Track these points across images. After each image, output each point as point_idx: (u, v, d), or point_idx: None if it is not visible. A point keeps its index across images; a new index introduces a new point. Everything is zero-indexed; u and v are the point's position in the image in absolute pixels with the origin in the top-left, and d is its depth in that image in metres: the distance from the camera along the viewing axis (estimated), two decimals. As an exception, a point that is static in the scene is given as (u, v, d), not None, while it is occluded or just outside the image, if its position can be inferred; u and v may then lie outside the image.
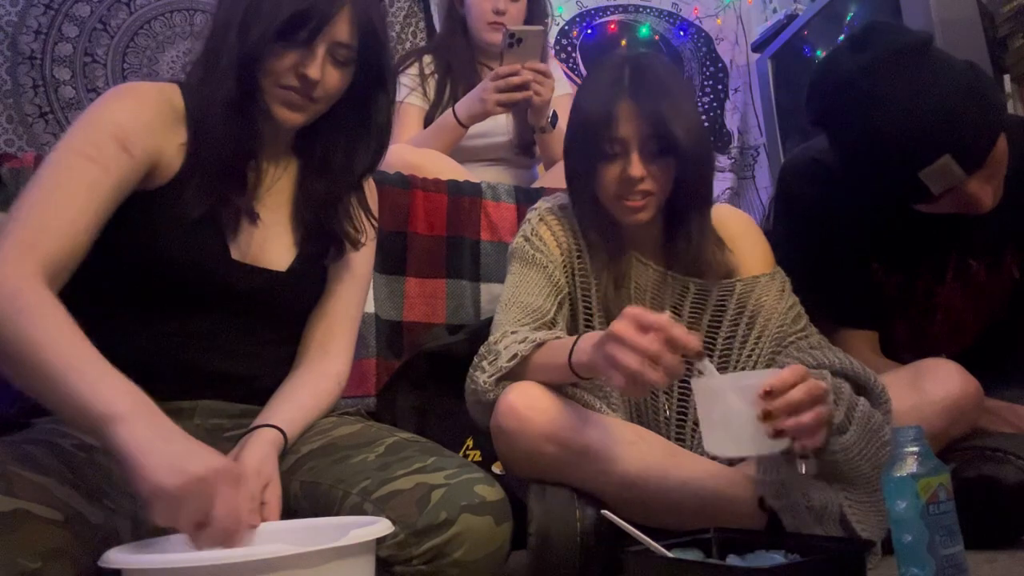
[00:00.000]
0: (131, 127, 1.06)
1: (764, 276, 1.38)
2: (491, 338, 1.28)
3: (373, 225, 1.29)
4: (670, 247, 1.37)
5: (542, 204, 1.45)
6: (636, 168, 1.28)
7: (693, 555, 0.97)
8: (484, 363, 1.24)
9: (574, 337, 1.17)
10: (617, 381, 1.03)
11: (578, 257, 1.39)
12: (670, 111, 1.27)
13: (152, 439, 0.84)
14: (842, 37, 2.52)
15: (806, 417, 1.00)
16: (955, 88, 1.25)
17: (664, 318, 1.02)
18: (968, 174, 1.26)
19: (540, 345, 1.22)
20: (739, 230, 1.42)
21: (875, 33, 1.31)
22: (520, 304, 1.32)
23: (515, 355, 1.21)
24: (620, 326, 1.02)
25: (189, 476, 0.81)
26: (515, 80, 1.84)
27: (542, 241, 1.38)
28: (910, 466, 0.89)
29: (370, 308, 1.68)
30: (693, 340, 1.01)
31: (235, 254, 1.14)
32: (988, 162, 1.27)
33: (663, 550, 0.94)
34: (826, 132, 1.40)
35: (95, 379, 0.88)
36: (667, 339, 1.00)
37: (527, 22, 2.15)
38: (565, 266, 1.38)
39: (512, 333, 1.26)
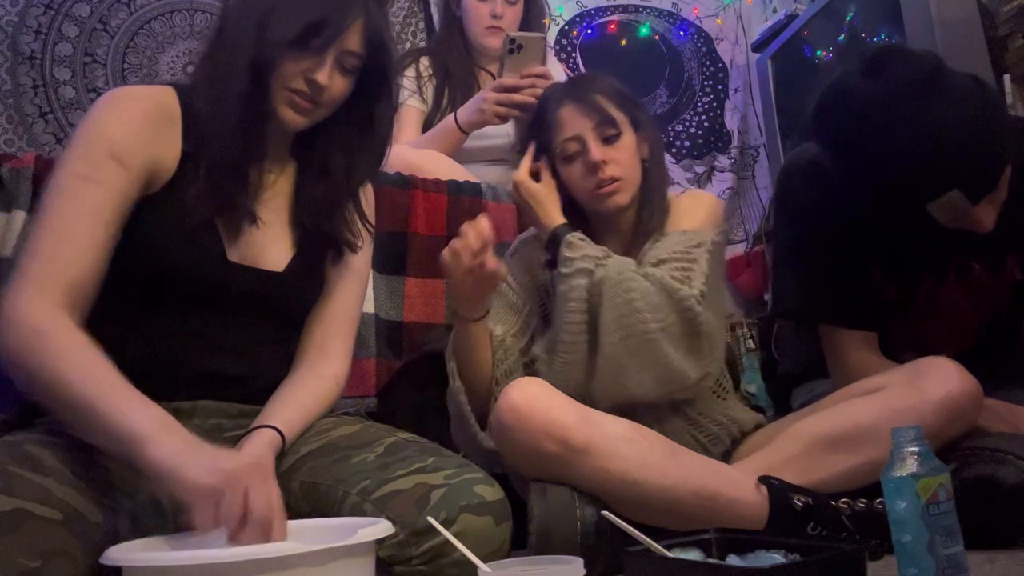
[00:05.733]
0: (125, 140, 1.08)
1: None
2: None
3: (369, 231, 1.29)
4: (639, 234, 1.45)
5: (519, 238, 1.57)
6: (595, 153, 1.40)
7: (693, 555, 0.97)
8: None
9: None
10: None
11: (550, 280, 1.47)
12: (613, 100, 1.44)
13: (184, 451, 0.89)
14: (842, 37, 2.54)
15: None
16: (965, 123, 1.25)
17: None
18: (974, 204, 1.27)
19: None
20: (684, 204, 1.49)
21: (887, 60, 1.30)
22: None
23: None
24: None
25: (224, 472, 0.87)
26: (517, 98, 1.84)
27: (509, 272, 1.49)
28: (910, 466, 0.89)
29: (370, 308, 1.68)
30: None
31: (233, 255, 1.15)
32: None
33: (663, 550, 0.94)
34: (833, 155, 1.40)
35: (122, 407, 0.92)
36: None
37: (524, 25, 2.14)
38: (530, 289, 1.49)
39: None
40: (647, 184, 1.46)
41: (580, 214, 1.47)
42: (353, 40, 1.14)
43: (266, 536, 0.86)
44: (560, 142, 1.44)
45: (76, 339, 0.97)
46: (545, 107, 1.49)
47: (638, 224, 1.46)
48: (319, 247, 1.23)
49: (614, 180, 1.40)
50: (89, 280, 1.03)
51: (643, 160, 1.47)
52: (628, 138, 1.44)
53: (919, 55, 1.32)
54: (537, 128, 1.50)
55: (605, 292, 1.30)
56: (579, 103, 1.44)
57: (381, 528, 0.85)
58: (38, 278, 0.99)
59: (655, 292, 1.29)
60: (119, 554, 0.80)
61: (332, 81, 1.14)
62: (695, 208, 1.47)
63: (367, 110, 1.22)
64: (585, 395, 1.30)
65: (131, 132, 1.08)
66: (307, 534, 0.90)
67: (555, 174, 1.47)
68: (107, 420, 0.91)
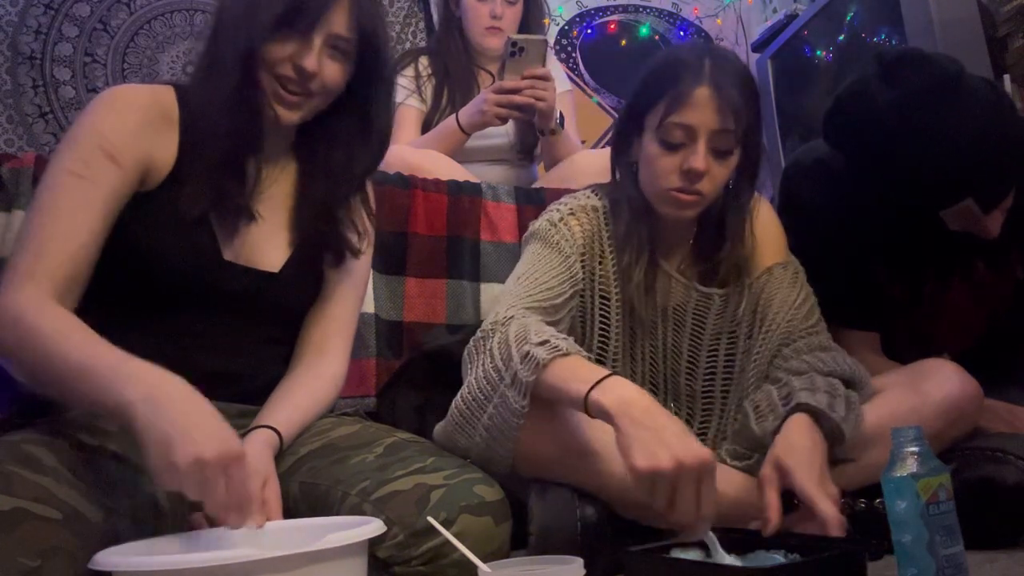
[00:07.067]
0: (117, 137, 1.08)
1: (777, 267, 1.38)
2: (500, 310, 1.21)
3: (371, 223, 1.28)
4: (701, 252, 1.37)
5: (572, 200, 1.39)
6: (700, 160, 1.23)
7: (693, 555, 0.97)
8: (525, 343, 1.11)
9: (600, 372, 1.06)
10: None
11: (600, 261, 1.35)
12: (746, 111, 1.26)
13: (165, 417, 0.86)
14: (842, 37, 2.54)
15: None
16: (984, 136, 1.24)
17: None
18: (987, 213, 1.27)
19: (567, 355, 1.10)
20: (761, 218, 1.40)
21: (906, 66, 1.28)
22: (534, 279, 1.28)
23: (555, 348, 1.09)
24: None
25: (195, 455, 0.83)
26: (517, 99, 1.85)
27: (569, 230, 1.33)
28: (910, 466, 0.89)
29: (370, 308, 1.68)
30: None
31: (228, 254, 1.14)
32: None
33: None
34: (845, 157, 1.39)
35: (109, 373, 0.91)
36: None
37: (523, 26, 2.14)
38: (585, 264, 1.33)
39: (527, 317, 1.18)
40: (721, 207, 1.34)
41: (648, 209, 1.33)
42: (339, 22, 1.12)
43: (236, 521, 0.87)
44: (672, 121, 1.25)
45: (65, 317, 0.97)
46: (681, 69, 1.27)
47: (700, 248, 1.37)
48: (317, 248, 1.23)
49: (696, 193, 1.26)
50: (76, 274, 1.03)
51: (729, 184, 1.32)
52: (734, 159, 1.28)
53: (940, 61, 1.30)
54: (655, 82, 1.30)
55: None
56: (718, 94, 1.23)
57: (354, 532, 0.81)
58: (26, 272, 1.00)
59: None
60: (104, 559, 0.79)
61: (323, 68, 1.12)
62: (776, 239, 1.41)
63: (364, 101, 1.20)
64: None
65: (124, 129, 1.08)
66: (313, 532, 0.89)
67: (636, 138, 1.32)
68: (95, 390, 0.90)
